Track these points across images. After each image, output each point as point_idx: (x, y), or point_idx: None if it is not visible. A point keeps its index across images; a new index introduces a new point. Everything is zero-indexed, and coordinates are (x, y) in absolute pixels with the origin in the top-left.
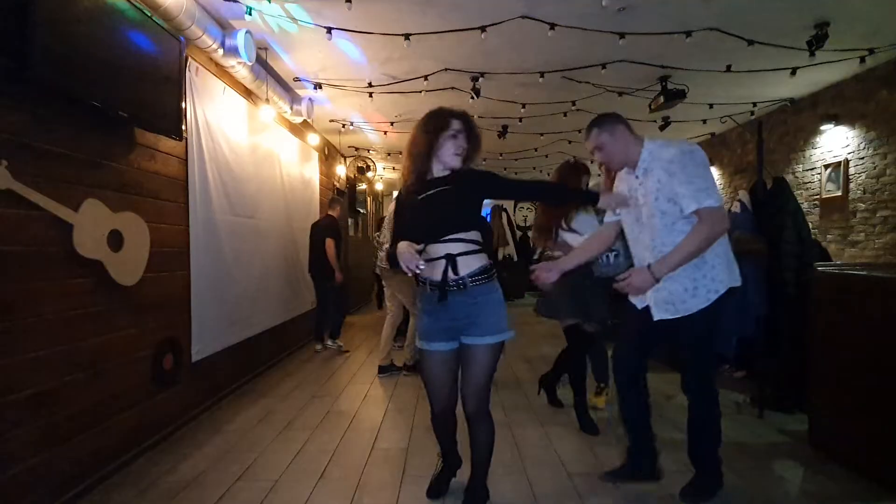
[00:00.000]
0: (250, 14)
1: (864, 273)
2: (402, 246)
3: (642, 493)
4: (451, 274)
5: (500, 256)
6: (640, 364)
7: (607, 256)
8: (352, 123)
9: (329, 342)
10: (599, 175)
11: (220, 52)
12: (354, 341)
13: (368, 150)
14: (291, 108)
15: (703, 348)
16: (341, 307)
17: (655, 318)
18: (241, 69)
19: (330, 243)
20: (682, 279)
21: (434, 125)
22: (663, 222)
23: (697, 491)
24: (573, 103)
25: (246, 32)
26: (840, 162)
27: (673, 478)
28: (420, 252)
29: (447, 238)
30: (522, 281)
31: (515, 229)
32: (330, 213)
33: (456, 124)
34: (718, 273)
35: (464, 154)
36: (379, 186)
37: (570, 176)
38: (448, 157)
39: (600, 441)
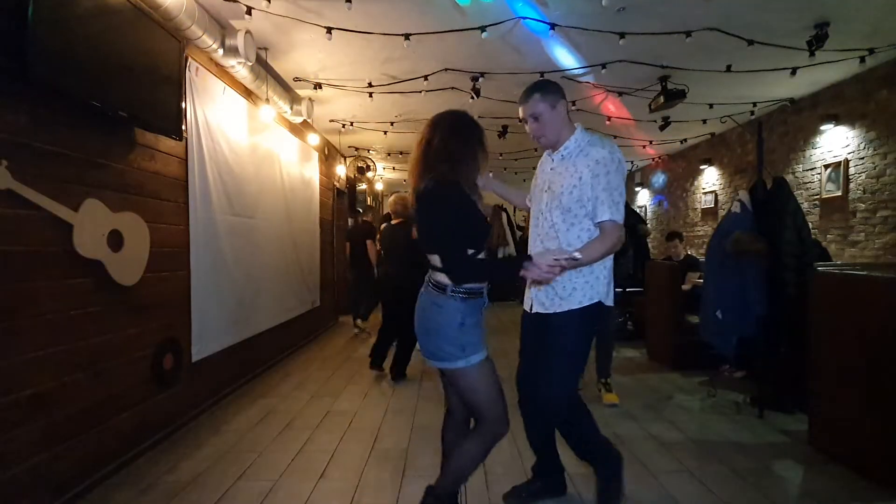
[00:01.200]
0: (250, 14)
1: (864, 273)
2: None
3: (643, 492)
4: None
5: (499, 256)
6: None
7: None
8: (352, 124)
9: (358, 321)
10: None
11: (220, 52)
12: (354, 342)
13: (368, 150)
14: (291, 108)
15: (557, 358)
16: (374, 296)
17: (532, 311)
18: (241, 69)
19: (370, 244)
20: (563, 280)
21: (478, 134)
22: (565, 220)
23: None
24: (573, 103)
25: (246, 32)
26: (840, 162)
27: (672, 477)
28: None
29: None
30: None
31: (515, 229)
32: (365, 219)
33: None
34: (598, 285)
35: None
36: (379, 186)
37: None
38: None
39: None
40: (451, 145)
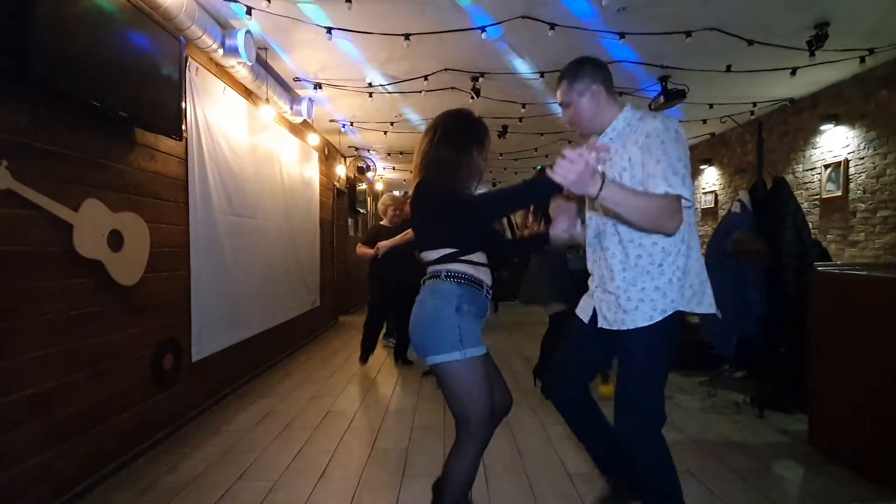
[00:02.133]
0: (250, 14)
1: (864, 273)
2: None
3: None
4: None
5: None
6: (579, 384)
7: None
8: (352, 124)
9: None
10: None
11: (220, 52)
12: (353, 342)
13: (368, 150)
14: (291, 108)
15: (638, 383)
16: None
17: (599, 326)
18: (241, 69)
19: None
20: (625, 286)
21: (482, 133)
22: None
23: None
24: None
25: (246, 32)
26: (840, 162)
27: None
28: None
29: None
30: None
31: (515, 228)
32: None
33: (488, 142)
34: (672, 291)
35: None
36: (379, 186)
37: None
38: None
39: None
40: (441, 151)
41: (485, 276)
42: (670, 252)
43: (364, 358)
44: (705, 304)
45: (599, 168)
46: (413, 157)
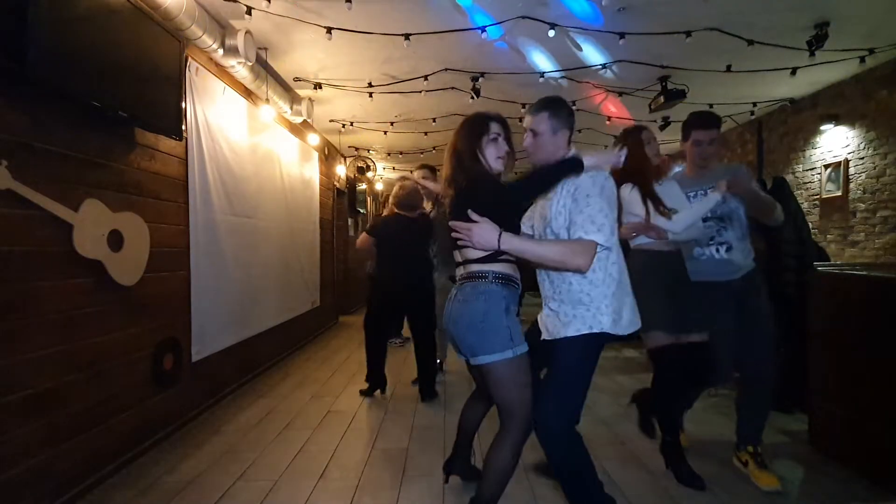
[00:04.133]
0: (250, 14)
1: (864, 273)
2: None
3: (642, 493)
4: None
5: None
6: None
7: (717, 249)
8: (351, 124)
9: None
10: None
11: (220, 52)
12: (354, 342)
13: (368, 150)
14: (291, 108)
15: (557, 387)
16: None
17: (542, 338)
18: (241, 69)
19: None
20: (566, 307)
21: (476, 130)
22: None
23: None
24: (573, 103)
25: (246, 32)
26: (840, 162)
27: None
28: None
29: None
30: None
31: None
32: (424, 210)
33: (495, 127)
34: (603, 317)
35: (506, 158)
36: (379, 186)
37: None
38: (492, 161)
39: (601, 441)
40: (464, 159)
41: (518, 272)
42: (598, 284)
43: (371, 391)
44: (622, 326)
45: (496, 229)
46: (417, 157)
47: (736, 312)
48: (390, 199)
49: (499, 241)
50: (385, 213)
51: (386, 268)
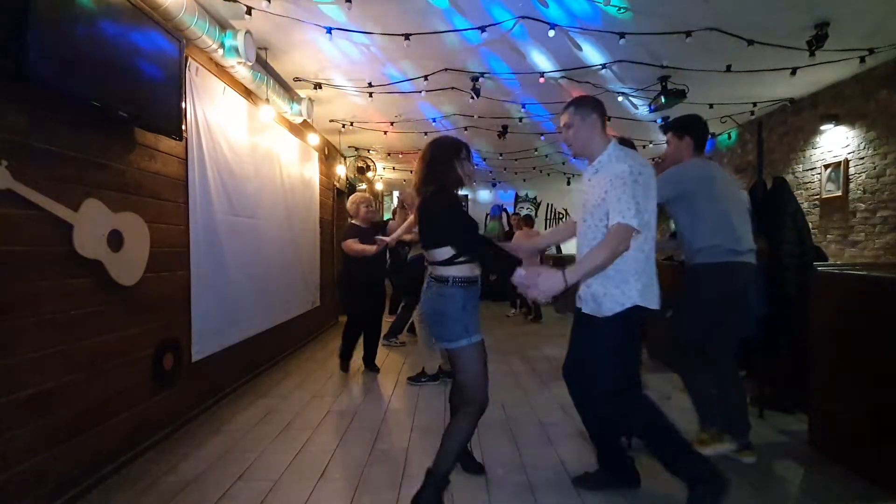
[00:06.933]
0: (250, 14)
1: (863, 273)
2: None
3: (643, 494)
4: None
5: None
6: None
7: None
8: (351, 124)
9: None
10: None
11: (220, 52)
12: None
13: (368, 150)
14: (291, 108)
15: (597, 361)
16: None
17: (581, 310)
18: (241, 69)
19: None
20: (597, 283)
21: (454, 147)
22: (594, 233)
23: None
24: None
25: (246, 32)
26: (840, 162)
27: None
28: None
29: None
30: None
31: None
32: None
33: (465, 151)
34: (629, 289)
35: (472, 175)
36: (379, 186)
37: None
38: (464, 175)
39: None
40: (434, 168)
41: (478, 270)
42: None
43: (346, 366)
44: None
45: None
46: (411, 161)
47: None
48: (350, 209)
49: (565, 281)
50: (356, 221)
51: (354, 268)
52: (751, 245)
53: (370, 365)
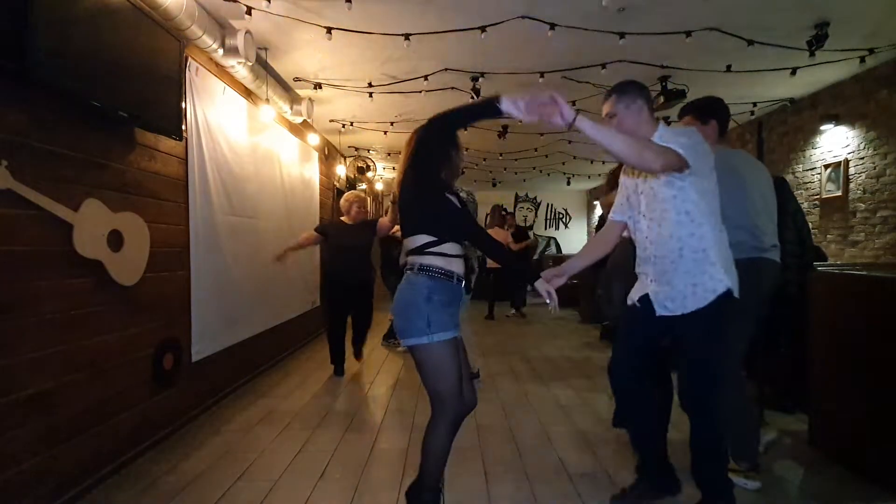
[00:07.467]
0: (250, 14)
1: (864, 273)
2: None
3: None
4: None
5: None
6: (641, 368)
7: None
8: (352, 124)
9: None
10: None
11: (220, 52)
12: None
13: (368, 150)
14: (291, 108)
15: (700, 358)
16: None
17: (658, 314)
18: (241, 69)
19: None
20: (682, 282)
21: (449, 138)
22: (673, 214)
23: None
24: (573, 103)
25: (246, 32)
26: (840, 162)
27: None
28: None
29: None
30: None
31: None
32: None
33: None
34: (717, 272)
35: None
36: (379, 186)
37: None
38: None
39: (601, 441)
40: (420, 154)
41: (457, 267)
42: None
43: (341, 369)
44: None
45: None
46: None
47: None
48: (342, 207)
49: (573, 120)
50: (345, 219)
51: (336, 263)
52: (774, 241)
53: (357, 353)
